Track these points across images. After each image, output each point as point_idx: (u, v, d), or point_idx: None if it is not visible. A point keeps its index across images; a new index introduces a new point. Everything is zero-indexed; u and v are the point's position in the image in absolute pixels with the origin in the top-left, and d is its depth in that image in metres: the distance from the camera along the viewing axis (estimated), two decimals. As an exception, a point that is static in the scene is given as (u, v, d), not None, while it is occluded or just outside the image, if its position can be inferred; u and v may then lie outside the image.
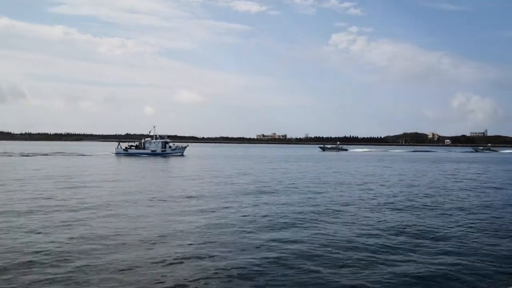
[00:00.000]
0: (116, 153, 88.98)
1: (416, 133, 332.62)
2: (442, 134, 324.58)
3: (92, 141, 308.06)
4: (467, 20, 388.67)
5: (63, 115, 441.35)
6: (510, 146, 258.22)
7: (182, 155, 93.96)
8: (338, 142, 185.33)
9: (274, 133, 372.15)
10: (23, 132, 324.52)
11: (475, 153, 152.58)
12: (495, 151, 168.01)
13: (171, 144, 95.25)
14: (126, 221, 18.71)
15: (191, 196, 27.12)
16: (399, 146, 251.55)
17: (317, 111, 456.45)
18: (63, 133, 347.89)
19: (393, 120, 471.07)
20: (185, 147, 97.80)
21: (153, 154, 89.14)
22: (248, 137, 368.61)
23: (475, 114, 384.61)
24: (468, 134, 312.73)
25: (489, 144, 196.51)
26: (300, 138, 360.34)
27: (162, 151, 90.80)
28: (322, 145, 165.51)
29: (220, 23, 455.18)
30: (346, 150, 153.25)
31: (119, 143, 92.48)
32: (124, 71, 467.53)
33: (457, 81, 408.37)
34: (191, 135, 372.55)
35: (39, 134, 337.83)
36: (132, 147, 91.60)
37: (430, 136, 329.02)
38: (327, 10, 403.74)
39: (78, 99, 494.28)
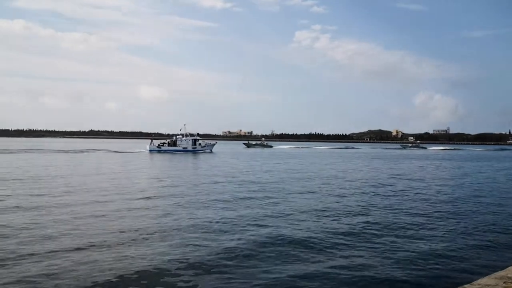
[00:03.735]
0: (150, 150, 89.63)
1: (381, 130, 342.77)
2: (406, 131, 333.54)
3: (55, 138, 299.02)
4: (429, 20, 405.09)
5: (23, 111, 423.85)
6: (470, 144, 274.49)
7: (211, 152, 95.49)
8: (263, 139, 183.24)
9: (240, 130, 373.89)
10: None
11: (401, 150, 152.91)
12: (424, 148, 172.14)
13: (200, 141, 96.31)
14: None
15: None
16: (329, 143, 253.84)
17: (283, 108, 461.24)
18: (24, 129, 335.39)
19: (358, 117, 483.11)
20: (213, 144, 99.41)
21: (184, 151, 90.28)
22: (214, 133, 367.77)
23: (437, 112, 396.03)
24: (431, 132, 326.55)
25: (418, 141, 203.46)
26: (266, 135, 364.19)
27: (192, 148, 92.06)
28: (246, 142, 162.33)
29: (185, 19, 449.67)
30: (271, 146, 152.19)
31: (151, 141, 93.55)
32: (87, 67, 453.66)
33: (419, 80, 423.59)
34: (156, 132, 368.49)
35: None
36: (165, 144, 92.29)
37: (394, 133, 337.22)
38: (291, 7, 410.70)
39: (39, 94, 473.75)
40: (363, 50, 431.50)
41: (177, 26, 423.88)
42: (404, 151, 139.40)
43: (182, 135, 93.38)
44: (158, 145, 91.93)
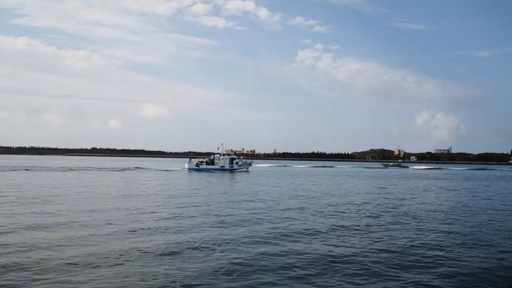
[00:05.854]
0: (188, 169, 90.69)
1: (383, 150, 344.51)
2: (408, 150, 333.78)
3: (58, 155, 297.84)
4: (430, 40, 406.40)
5: (25, 128, 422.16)
6: (471, 163, 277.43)
7: (247, 170, 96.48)
8: (242, 157, 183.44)
9: (243, 148, 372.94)
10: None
11: (380, 169, 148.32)
12: (406, 167, 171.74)
13: (237, 160, 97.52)
14: None
15: None
16: (305, 161, 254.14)
17: (285, 127, 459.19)
18: (26, 146, 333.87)
19: (360, 136, 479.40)
20: (250, 163, 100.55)
21: (222, 169, 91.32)
22: (216, 152, 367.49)
23: (439, 131, 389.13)
24: (433, 151, 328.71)
25: (399, 161, 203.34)
26: (268, 154, 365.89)
27: (230, 166, 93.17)
28: None
29: (188, 37, 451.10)
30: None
31: (190, 159, 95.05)
32: (89, 84, 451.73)
33: (420, 99, 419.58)
34: (158, 150, 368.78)
35: (1, 147, 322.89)
36: (203, 163, 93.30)
37: (396, 152, 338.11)
38: (293, 27, 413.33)
39: (41, 112, 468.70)
40: (366, 69, 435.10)
41: (179, 44, 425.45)
42: (384, 171, 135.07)
43: (220, 154, 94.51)
44: (197, 163, 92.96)
